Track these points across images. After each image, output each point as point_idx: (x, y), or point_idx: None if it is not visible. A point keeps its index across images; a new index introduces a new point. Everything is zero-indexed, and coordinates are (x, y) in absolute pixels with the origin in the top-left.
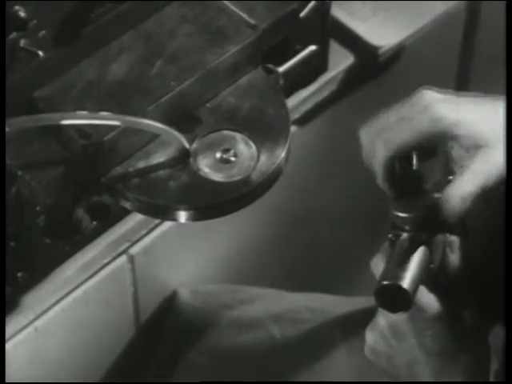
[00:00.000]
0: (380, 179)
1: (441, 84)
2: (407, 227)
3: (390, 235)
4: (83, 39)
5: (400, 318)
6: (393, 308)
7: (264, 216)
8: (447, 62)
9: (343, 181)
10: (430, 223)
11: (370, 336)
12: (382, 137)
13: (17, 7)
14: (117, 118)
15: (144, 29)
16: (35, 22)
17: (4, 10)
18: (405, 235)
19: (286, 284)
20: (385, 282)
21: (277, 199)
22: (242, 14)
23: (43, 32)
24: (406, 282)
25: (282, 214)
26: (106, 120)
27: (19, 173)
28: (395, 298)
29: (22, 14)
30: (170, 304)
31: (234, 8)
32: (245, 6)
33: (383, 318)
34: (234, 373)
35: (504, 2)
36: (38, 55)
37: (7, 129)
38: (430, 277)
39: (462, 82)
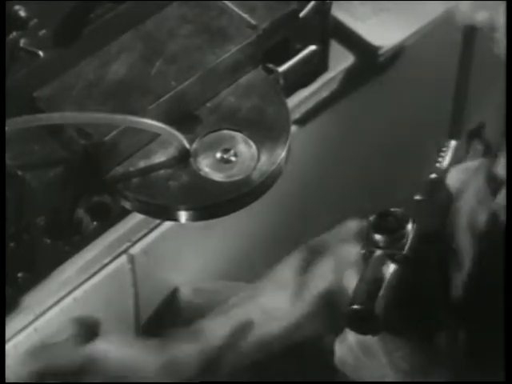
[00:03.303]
0: None
1: (440, 84)
2: (381, 244)
3: (363, 251)
4: (83, 39)
5: (370, 336)
6: (363, 331)
7: (264, 216)
8: (447, 62)
9: (343, 180)
10: (405, 242)
11: (339, 349)
12: None
13: (17, 7)
14: (117, 117)
15: (144, 29)
16: (35, 21)
17: (4, 10)
18: (378, 252)
19: None
20: (355, 307)
21: (277, 199)
22: (242, 13)
23: (43, 32)
24: (377, 306)
25: (282, 214)
26: (106, 120)
27: (19, 173)
28: (365, 322)
29: (22, 13)
30: (171, 302)
31: (234, 8)
32: (245, 5)
33: (353, 334)
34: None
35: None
36: (37, 55)
37: (7, 128)
38: (402, 297)
39: (462, 83)
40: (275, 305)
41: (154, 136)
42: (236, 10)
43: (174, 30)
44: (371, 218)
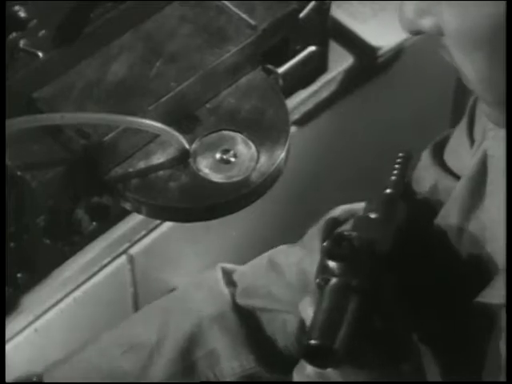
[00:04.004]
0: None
1: (440, 85)
2: (336, 272)
3: (317, 280)
4: (83, 39)
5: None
6: (321, 365)
7: (264, 216)
8: (447, 63)
9: (343, 180)
10: (360, 269)
11: (298, 378)
12: None
13: (16, 7)
14: (117, 118)
15: (144, 29)
16: (35, 22)
17: (4, 10)
18: (334, 280)
19: None
20: (313, 342)
21: (276, 199)
22: (241, 14)
23: (43, 32)
24: (336, 340)
25: (282, 214)
26: (106, 120)
27: (19, 173)
28: (324, 356)
29: (22, 14)
30: None
31: (233, 8)
32: (245, 6)
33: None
34: None
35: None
36: (37, 56)
37: (7, 129)
38: (362, 326)
39: (462, 83)
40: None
41: (154, 136)
42: (235, 10)
43: (173, 30)
44: (324, 244)
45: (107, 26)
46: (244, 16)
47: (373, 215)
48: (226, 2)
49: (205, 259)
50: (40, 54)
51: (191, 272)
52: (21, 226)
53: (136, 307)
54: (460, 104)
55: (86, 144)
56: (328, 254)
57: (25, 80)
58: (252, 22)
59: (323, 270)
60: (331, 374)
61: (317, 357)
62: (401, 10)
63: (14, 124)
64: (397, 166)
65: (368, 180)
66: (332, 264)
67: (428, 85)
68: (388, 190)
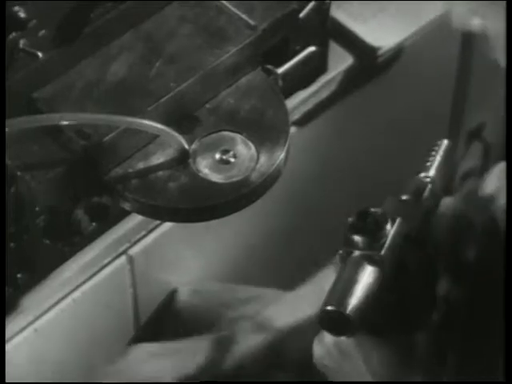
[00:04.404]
0: None
1: (440, 85)
2: (359, 245)
3: (340, 251)
4: (83, 39)
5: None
6: (337, 332)
7: (263, 217)
8: (446, 64)
9: (343, 181)
10: (384, 243)
11: (318, 349)
12: None
13: (16, 8)
14: (116, 118)
15: (144, 29)
16: (35, 22)
17: (4, 10)
18: (356, 254)
19: (285, 283)
20: (329, 308)
21: (276, 200)
22: (241, 14)
23: (43, 32)
24: (351, 309)
25: (282, 215)
26: (106, 121)
27: (19, 173)
28: (339, 324)
29: (22, 14)
30: (169, 303)
31: (233, 8)
32: (244, 6)
33: (330, 335)
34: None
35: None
36: (37, 56)
37: (7, 129)
38: (379, 299)
39: (462, 83)
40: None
41: (153, 137)
42: (235, 10)
43: (173, 30)
44: (350, 219)
45: (107, 26)
46: (244, 16)
47: (403, 197)
48: (225, 2)
49: (205, 259)
50: (40, 54)
51: (191, 272)
52: (21, 226)
53: (136, 308)
54: (460, 104)
55: (85, 144)
56: (353, 228)
57: (25, 80)
58: (252, 22)
59: (347, 243)
60: (348, 342)
61: (332, 324)
62: (451, 10)
63: (13, 124)
64: (433, 152)
65: (368, 180)
66: (356, 237)
67: (428, 85)
68: (422, 174)
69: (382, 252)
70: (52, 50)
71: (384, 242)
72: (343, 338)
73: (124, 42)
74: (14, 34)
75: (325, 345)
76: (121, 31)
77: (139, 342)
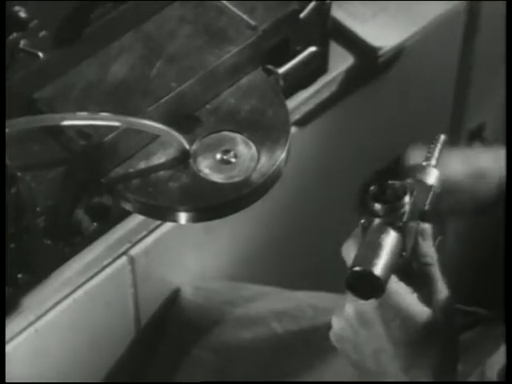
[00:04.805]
0: None
1: (440, 85)
2: (380, 213)
3: (362, 221)
4: (83, 40)
5: (368, 305)
6: (364, 295)
7: (264, 216)
8: (447, 63)
9: (343, 181)
10: (403, 211)
11: (337, 322)
12: None
13: (17, 8)
14: (117, 118)
15: (144, 29)
16: (35, 22)
17: (4, 10)
18: (377, 221)
19: (286, 282)
20: (357, 268)
21: (277, 200)
22: (242, 14)
23: (43, 33)
24: (379, 269)
25: (282, 215)
26: (106, 121)
27: (19, 174)
28: (367, 285)
29: (22, 14)
30: (172, 301)
31: (234, 9)
32: (245, 6)
33: (351, 306)
34: (237, 369)
35: (504, 3)
36: (37, 56)
37: (7, 130)
38: (401, 265)
39: (462, 83)
40: None
41: (154, 137)
42: (236, 10)
43: (174, 30)
44: (371, 189)
45: (107, 27)
46: (244, 16)
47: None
48: (226, 3)
49: (205, 260)
50: (40, 55)
51: (192, 272)
52: (21, 226)
53: (136, 308)
54: (460, 104)
55: (86, 144)
56: (373, 197)
57: (25, 80)
58: (252, 22)
59: (368, 212)
60: (368, 312)
61: (361, 285)
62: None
63: (14, 124)
64: (432, 145)
65: (368, 179)
66: (377, 206)
67: (428, 85)
68: (424, 163)
69: (404, 218)
70: (52, 50)
71: (404, 212)
72: (365, 307)
73: (124, 42)
74: (14, 34)
75: (345, 315)
76: (121, 32)
77: (142, 342)
